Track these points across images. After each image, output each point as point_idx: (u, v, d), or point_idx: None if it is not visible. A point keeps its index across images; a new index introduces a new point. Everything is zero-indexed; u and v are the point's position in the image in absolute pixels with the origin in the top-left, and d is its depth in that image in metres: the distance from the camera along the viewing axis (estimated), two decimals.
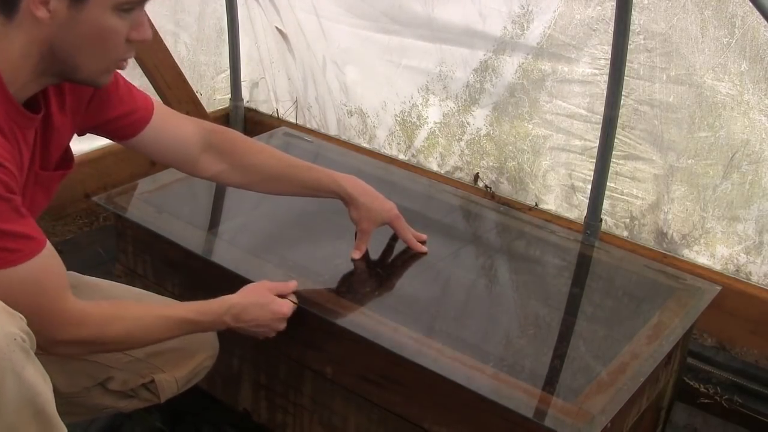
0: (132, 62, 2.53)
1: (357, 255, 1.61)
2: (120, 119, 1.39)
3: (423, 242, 1.68)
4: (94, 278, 1.48)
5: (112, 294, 1.45)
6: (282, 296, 1.42)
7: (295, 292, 1.45)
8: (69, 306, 1.17)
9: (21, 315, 1.05)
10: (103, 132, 1.40)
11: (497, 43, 2.24)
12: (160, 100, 2.69)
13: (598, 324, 1.53)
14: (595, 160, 2.06)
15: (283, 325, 1.40)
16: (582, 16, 2.06)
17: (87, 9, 1.07)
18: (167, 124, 1.45)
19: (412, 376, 1.36)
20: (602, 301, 1.63)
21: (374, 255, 1.65)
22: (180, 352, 1.42)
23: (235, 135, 1.56)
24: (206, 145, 1.50)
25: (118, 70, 1.23)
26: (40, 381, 1.07)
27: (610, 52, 1.91)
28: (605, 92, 1.97)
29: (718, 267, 2.04)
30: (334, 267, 1.61)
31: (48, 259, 1.12)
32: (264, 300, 1.38)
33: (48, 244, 1.12)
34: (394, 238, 1.69)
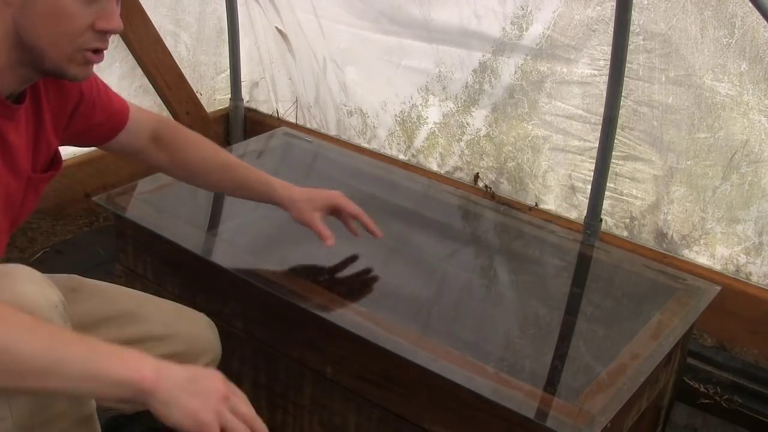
0: (132, 62, 2.55)
1: (330, 242, 1.53)
2: (103, 124, 1.40)
3: (372, 233, 1.59)
4: (97, 282, 1.47)
5: (113, 298, 1.44)
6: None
7: (295, 293, 1.45)
8: None
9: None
10: (82, 139, 1.40)
11: (496, 44, 2.24)
12: (160, 100, 2.69)
13: (598, 324, 1.53)
14: (594, 161, 2.06)
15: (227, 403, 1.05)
16: (581, 16, 2.06)
17: None
18: (133, 123, 1.46)
19: (412, 376, 1.36)
20: (602, 302, 1.63)
21: (374, 256, 1.65)
22: (183, 356, 1.42)
23: (179, 127, 1.56)
24: (152, 137, 1.51)
25: (96, 71, 1.22)
26: None
27: (609, 52, 1.92)
28: (604, 93, 1.97)
29: (718, 267, 2.04)
30: (334, 267, 1.61)
31: None
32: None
33: None
34: (394, 239, 1.69)
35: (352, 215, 1.58)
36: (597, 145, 2.03)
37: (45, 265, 1.12)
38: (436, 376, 1.31)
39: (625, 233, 2.18)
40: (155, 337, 1.40)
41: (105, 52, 1.16)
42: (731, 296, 1.92)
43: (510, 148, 2.32)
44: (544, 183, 2.29)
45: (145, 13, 2.46)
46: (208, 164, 1.54)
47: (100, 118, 1.38)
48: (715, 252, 2.05)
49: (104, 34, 1.13)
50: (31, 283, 1.09)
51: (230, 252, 1.66)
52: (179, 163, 1.53)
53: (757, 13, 1.69)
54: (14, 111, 1.16)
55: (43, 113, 1.23)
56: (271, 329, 1.58)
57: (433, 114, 2.47)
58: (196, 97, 2.79)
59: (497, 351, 1.41)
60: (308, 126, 2.82)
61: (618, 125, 2.00)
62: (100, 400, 1.16)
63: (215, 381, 1.04)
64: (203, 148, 1.55)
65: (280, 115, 2.90)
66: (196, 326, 1.47)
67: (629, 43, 1.89)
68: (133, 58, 2.50)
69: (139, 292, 1.53)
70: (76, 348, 1.00)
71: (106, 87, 1.39)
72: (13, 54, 1.11)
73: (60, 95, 1.27)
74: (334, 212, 1.59)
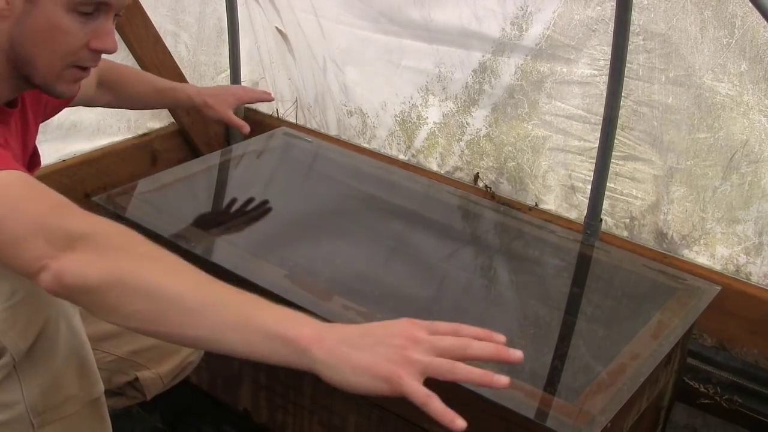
0: (132, 62, 2.54)
1: (247, 128, 1.84)
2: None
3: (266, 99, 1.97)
4: None
5: None
6: None
7: (295, 293, 1.45)
8: (69, 224, 0.95)
9: None
10: (49, 116, 1.43)
11: (496, 45, 2.24)
12: None
13: (598, 324, 1.53)
14: (594, 161, 2.06)
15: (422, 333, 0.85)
16: (581, 16, 2.06)
17: (40, 3, 1.07)
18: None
19: None
20: (602, 301, 1.63)
21: (374, 255, 1.65)
22: (163, 348, 1.42)
23: (117, 69, 1.71)
24: (98, 83, 1.63)
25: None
26: (84, 333, 1.12)
27: (609, 52, 1.91)
28: (604, 93, 1.97)
29: (718, 267, 2.04)
30: (334, 267, 1.61)
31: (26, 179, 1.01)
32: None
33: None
34: (394, 239, 1.69)
35: (255, 99, 1.98)
36: (597, 145, 2.03)
37: None
38: None
39: (625, 233, 2.18)
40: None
41: None
42: (731, 296, 1.92)
43: (510, 148, 2.32)
44: (544, 183, 2.29)
45: (145, 13, 2.46)
46: (147, 94, 1.77)
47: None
48: (715, 252, 2.05)
49: (97, 54, 1.13)
50: None
51: (230, 252, 1.66)
52: (123, 99, 1.73)
53: (757, 13, 1.69)
54: (9, 116, 1.17)
55: (27, 113, 1.25)
56: None
57: (433, 114, 2.47)
58: None
59: None
60: (308, 126, 2.82)
61: (618, 125, 2.00)
62: (247, 355, 0.89)
63: (394, 325, 0.85)
64: (140, 81, 1.79)
65: (280, 115, 2.90)
66: None
67: (629, 43, 1.89)
68: (133, 58, 2.50)
69: None
70: (225, 293, 0.88)
71: None
72: (9, 67, 1.11)
73: (35, 92, 1.27)
74: (241, 102, 1.94)
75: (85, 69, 1.14)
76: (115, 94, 1.70)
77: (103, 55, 1.16)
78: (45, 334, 1.07)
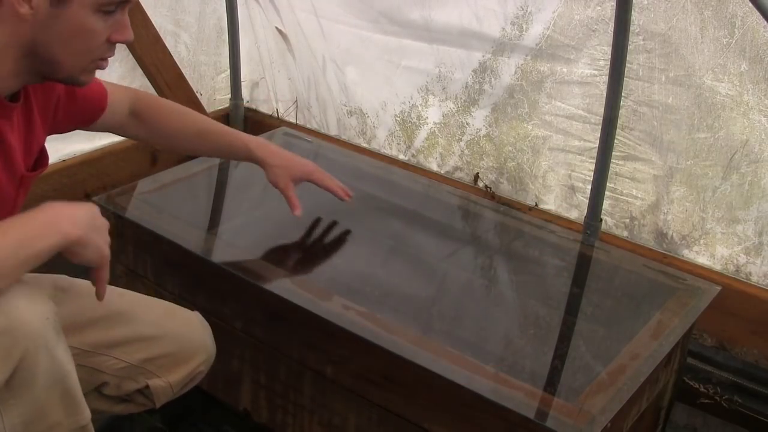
0: (132, 62, 2.54)
1: (298, 212, 1.64)
2: (84, 112, 1.43)
3: (342, 199, 1.72)
4: (87, 282, 1.46)
5: (87, 295, 1.43)
6: None
7: (295, 292, 1.45)
8: None
9: (49, 296, 1.11)
10: (66, 128, 1.43)
11: (496, 45, 2.24)
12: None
13: (598, 324, 1.53)
14: (594, 161, 2.06)
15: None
16: (581, 16, 2.06)
17: (68, 7, 1.09)
18: (111, 104, 1.49)
19: (412, 376, 1.36)
20: (602, 301, 1.63)
21: (374, 255, 1.65)
22: (175, 357, 1.42)
23: (155, 101, 1.64)
24: (131, 112, 1.57)
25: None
26: (69, 362, 1.11)
27: (609, 52, 1.91)
28: (605, 93, 1.97)
29: (718, 267, 2.04)
30: (334, 267, 1.61)
31: None
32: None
33: None
34: (394, 239, 1.69)
35: (326, 189, 1.72)
36: (597, 145, 2.03)
37: (45, 265, 1.11)
38: (436, 376, 1.31)
39: (625, 233, 2.18)
40: (145, 337, 1.40)
41: None
42: (731, 296, 1.92)
43: (510, 148, 2.32)
44: (544, 183, 2.29)
45: (145, 13, 2.46)
46: (184, 133, 1.63)
47: (81, 105, 1.40)
48: (715, 252, 2.05)
49: (114, 44, 1.17)
50: (22, 298, 1.08)
51: (230, 252, 1.66)
52: (157, 134, 1.62)
53: (757, 13, 1.69)
54: (11, 110, 1.17)
55: (32, 110, 1.25)
56: (271, 329, 1.58)
57: (433, 114, 2.47)
58: (196, 97, 2.79)
59: (497, 351, 1.41)
60: (308, 126, 2.82)
61: (618, 125, 2.00)
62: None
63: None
64: (179, 118, 1.64)
65: (280, 115, 2.90)
66: (189, 326, 1.46)
67: (629, 43, 1.89)
68: (133, 58, 2.50)
69: (130, 292, 1.52)
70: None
71: None
72: (22, 62, 1.13)
73: (44, 90, 1.28)
74: (309, 181, 1.71)
75: (104, 60, 1.19)
76: (148, 127, 1.59)
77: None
78: (24, 366, 1.05)
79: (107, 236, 1.18)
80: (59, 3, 1.09)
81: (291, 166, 1.66)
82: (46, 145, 1.33)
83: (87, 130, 1.53)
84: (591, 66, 2.08)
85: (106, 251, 1.16)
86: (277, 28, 2.76)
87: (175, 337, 1.42)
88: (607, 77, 1.94)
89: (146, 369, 1.40)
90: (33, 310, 1.06)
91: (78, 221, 1.12)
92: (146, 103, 1.60)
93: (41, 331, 1.05)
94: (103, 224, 1.17)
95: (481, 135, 2.38)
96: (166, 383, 1.42)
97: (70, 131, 1.47)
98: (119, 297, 1.46)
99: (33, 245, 1.07)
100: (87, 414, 1.18)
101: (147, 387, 1.41)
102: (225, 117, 2.94)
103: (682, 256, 2.09)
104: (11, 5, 1.08)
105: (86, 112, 1.44)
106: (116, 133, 1.60)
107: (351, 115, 2.66)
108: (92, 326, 1.36)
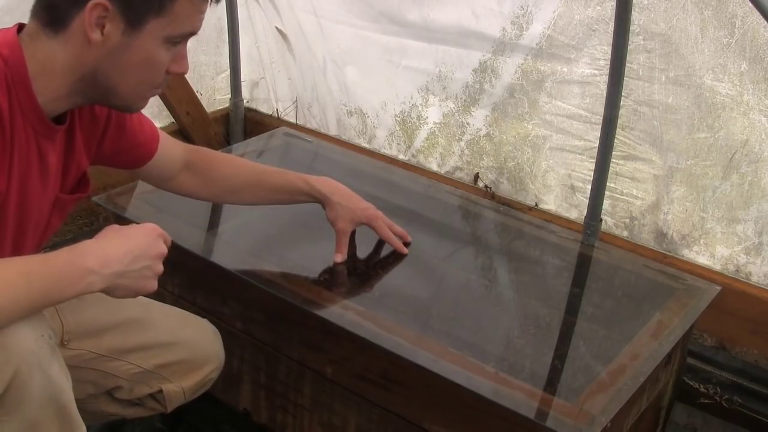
0: None
1: (339, 258, 1.59)
2: (132, 149, 1.40)
3: (407, 244, 1.65)
4: None
5: (117, 305, 1.43)
6: None
7: (295, 293, 1.45)
8: None
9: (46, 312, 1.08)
10: (111, 162, 1.41)
11: (496, 44, 2.24)
12: (160, 100, 2.69)
13: (598, 324, 1.53)
14: (594, 161, 2.06)
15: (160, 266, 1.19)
16: (581, 16, 2.06)
17: (140, 37, 1.09)
18: (163, 150, 1.47)
19: (412, 376, 1.36)
20: (602, 301, 1.63)
21: (374, 255, 1.65)
22: (188, 363, 1.43)
23: (210, 152, 1.60)
24: (185, 165, 1.54)
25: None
26: (63, 379, 1.09)
27: (609, 52, 1.91)
28: (605, 93, 1.97)
29: (718, 267, 2.04)
30: (334, 267, 1.61)
31: None
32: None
33: None
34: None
35: (383, 239, 1.64)
36: (597, 144, 2.03)
37: None
38: (436, 376, 1.31)
39: (625, 233, 2.18)
40: (160, 344, 1.41)
41: None
42: (731, 296, 1.92)
43: (510, 147, 2.32)
44: (544, 183, 2.29)
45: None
46: (240, 178, 1.57)
47: (129, 143, 1.38)
48: (715, 252, 2.05)
49: (170, 75, 1.18)
50: None
51: (230, 252, 1.66)
52: (212, 183, 1.56)
53: (757, 13, 1.69)
54: (55, 132, 1.17)
55: (75, 135, 1.24)
56: (271, 329, 1.58)
57: (433, 114, 2.47)
58: (196, 97, 2.79)
59: (497, 351, 1.41)
60: (308, 126, 2.82)
61: (618, 125, 2.00)
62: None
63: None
64: (232, 162, 1.61)
65: (280, 115, 2.90)
66: (202, 334, 1.47)
67: (629, 42, 1.89)
68: None
69: (145, 298, 1.52)
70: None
71: (139, 113, 1.39)
72: (77, 86, 1.13)
73: (91, 118, 1.28)
74: (368, 226, 1.63)
75: (158, 88, 1.19)
76: (202, 177, 1.54)
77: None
78: (16, 384, 1.04)
79: (155, 266, 1.16)
80: (132, 33, 1.08)
81: (355, 208, 1.61)
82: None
83: (138, 177, 1.52)
84: (591, 65, 2.09)
85: (143, 287, 1.14)
86: (277, 28, 2.76)
87: (188, 344, 1.43)
88: (608, 77, 1.94)
89: (160, 374, 1.41)
90: (27, 328, 1.04)
91: (109, 262, 1.08)
92: (201, 155, 1.57)
93: (34, 350, 1.03)
94: (147, 255, 1.14)
95: (481, 135, 2.38)
96: (180, 388, 1.42)
97: (116, 167, 1.44)
98: (135, 304, 1.45)
99: (54, 296, 1.05)
100: (83, 430, 1.16)
101: (160, 391, 1.42)
102: (225, 117, 2.94)
103: (682, 255, 2.09)
104: (82, 30, 1.07)
105: (133, 151, 1.41)
106: (168, 189, 1.55)
107: (351, 115, 2.67)
108: (109, 332, 1.36)
